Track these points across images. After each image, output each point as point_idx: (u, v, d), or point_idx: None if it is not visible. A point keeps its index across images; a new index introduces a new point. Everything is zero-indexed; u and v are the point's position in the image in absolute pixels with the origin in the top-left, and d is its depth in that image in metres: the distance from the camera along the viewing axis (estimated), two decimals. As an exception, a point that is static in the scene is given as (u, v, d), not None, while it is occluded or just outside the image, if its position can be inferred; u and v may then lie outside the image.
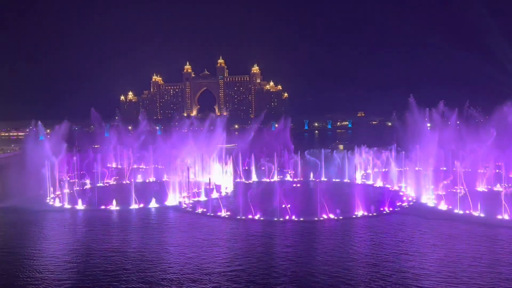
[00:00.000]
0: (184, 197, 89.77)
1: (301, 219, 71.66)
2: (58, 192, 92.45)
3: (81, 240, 63.85)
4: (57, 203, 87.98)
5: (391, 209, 77.63)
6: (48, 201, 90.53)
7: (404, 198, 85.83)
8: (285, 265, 52.05)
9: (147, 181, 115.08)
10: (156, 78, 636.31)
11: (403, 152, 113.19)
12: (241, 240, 62.12)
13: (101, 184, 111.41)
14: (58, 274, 50.23)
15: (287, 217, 72.47)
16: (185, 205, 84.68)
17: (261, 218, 72.59)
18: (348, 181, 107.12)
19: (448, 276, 47.53)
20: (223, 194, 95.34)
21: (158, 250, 58.26)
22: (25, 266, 53.11)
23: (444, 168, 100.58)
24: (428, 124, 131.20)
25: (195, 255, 55.78)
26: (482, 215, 72.35)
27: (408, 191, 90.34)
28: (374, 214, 74.67)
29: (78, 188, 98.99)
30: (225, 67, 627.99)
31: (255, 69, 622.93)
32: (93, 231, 67.92)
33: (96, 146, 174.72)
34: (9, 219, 77.56)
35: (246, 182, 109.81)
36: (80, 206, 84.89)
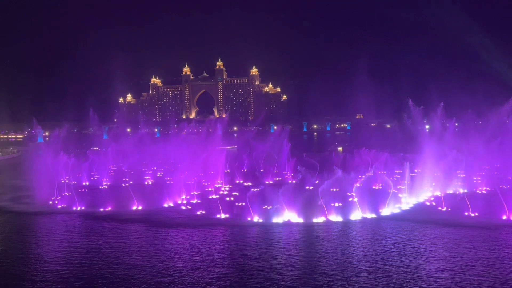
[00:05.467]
0: (183, 199, 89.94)
1: (300, 221, 71.71)
2: (58, 197, 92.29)
3: (71, 245, 63.87)
4: (58, 205, 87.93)
5: (390, 210, 77.80)
6: (50, 203, 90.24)
7: (403, 200, 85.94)
8: (287, 269, 52.20)
9: (146, 183, 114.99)
10: (155, 80, 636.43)
11: (403, 154, 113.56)
12: (240, 244, 62.17)
13: (101, 187, 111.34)
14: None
15: (286, 219, 72.57)
16: (184, 207, 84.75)
17: (260, 220, 72.69)
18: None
19: (448, 279, 47.71)
20: (222, 196, 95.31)
21: (152, 255, 58.29)
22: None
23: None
24: (427, 126, 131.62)
25: (193, 261, 55.85)
26: (476, 215, 72.66)
27: (408, 193, 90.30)
28: (374, 216, 74.82)
29: (79, 190, 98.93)
30: (224, 69, 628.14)
31: (254, 71, 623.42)
32: (89, 234, 67.93)
33: (95, 148, 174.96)
34: (6, 220, 77.67)
35: (245, 184, 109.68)
36: (79, 208, 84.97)
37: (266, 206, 79.90)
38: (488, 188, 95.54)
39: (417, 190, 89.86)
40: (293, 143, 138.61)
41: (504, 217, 70.57)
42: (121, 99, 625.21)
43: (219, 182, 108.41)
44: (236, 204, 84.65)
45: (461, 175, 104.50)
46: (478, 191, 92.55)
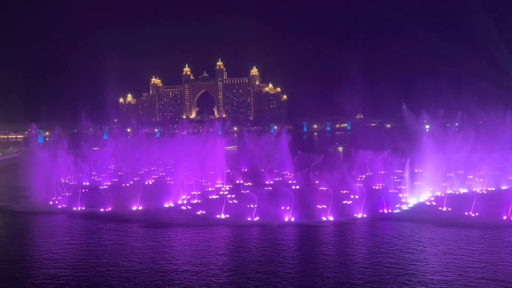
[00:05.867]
0: (184, 199, 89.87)
1: (300, 222, 71.59)
2: (59, 197, 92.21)
3: (72, 246, 63.88)
4: (58, 206, 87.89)
5: (390, 211, 77.77)
6: (50, 203, 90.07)
7: (404, 200, 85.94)
8: (287, 271, 52.14)
9: (146, 183, 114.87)
10: (155, 80, 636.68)
11: (403, 154, 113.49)
12: (240, 245, 62.08)
13: (101, 187, 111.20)
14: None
15: (286, 219, 72.53)
16: (184, 207, 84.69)
17: (260, 221, 72.61)
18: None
19: (448, 282, 47.65)
20: (222, 196, 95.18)
21: (152, 256, 58.23)
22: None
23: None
24: (427, 126, 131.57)
25: (192, 263, 55.82)
26: (477, 215, 72.64)
27: (408, 193, 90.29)
28: (374, 216, 74.68)
29: (80, 190, 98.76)
30: (224, 69, 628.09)
31: (254, 71, 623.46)
32: (89, 235, 67.90)
33: (95, 148, 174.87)
34: (6, 221, 77.68)
35: (245, 184, 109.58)
36: (79, 208, 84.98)
37: (265, 208, 79.91)
38: (489, 188, 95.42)
39: (417, 190, 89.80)
40: (292, 144, 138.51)
41: (505, 217, 70.49)
42: (121, 99, 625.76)
43: (219, 182, 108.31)
44: (234, 202, 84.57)
45: (461, 175, 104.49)
46: (478, 191, 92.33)
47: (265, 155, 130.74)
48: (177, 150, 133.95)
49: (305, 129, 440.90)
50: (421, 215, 74.79)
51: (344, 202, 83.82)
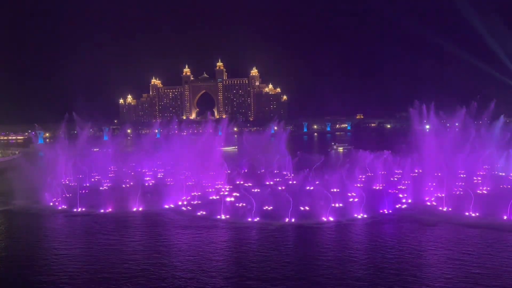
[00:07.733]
0: (184, 200, 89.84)
1: (300, 223, 71.48)
2: (59, 198, 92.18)
3: (71, 247, 63.87)
4: (59, 207, 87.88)
5: (390, 211, 77.71)
6: (51, 204, 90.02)
7: (404, 200, 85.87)
8: (287, 273, 52.11)
9: (147, 184, 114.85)
10: (155, 81, 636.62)
11: (403, 154, 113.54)
12: (240, 248, 62.04)
13: (102, 188, 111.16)
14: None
15: (286, 220, 72.47)
16: (184, 208, 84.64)
17: (260, 221, 72.58)
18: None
19: (449, 281, 47.64)
20: (222, 197, 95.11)
21: (151, 258, 58.17)
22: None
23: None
24: (427, 126, 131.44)
25: (192, 264, 55.81)
26: (477, 215, 72.64)
27: (408, 193, 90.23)
28: (374, 216, 74.63)
29: (81, 191, 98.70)
30: (224, 70, 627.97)
31: (254, 72, 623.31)
32: (88, 236, 67.88)
33: (95, 149, 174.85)
34: (6, 222, 77.69)
35: (245, 185, 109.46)
36: (80, 209, 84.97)
37: (265, 208, 79.97)
38: (489, 188, 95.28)
39: (418, 190, 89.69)
40: (293, 144, 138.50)
41: (505, 217, 70.41)
42: (121, 100, 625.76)
43: (220, 182, 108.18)
44: (237, 204, 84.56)
45: (462, 175, 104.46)
46: (479, 191, 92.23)
47: (265, 155, 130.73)
48: (177, 151, 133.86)
49: (305, 130, 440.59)
50: (421, 215, 74.71)
51: (344, 202, 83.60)
